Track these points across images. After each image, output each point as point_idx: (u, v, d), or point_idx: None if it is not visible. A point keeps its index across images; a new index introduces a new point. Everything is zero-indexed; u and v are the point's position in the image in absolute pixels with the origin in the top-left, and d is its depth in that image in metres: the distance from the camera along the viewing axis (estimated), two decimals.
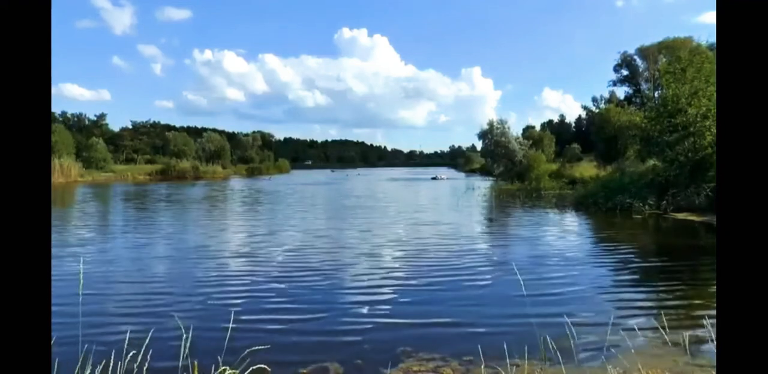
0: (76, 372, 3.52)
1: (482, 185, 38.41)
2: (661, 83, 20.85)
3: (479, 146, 64.42)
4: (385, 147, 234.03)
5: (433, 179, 56.59)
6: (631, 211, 16.83)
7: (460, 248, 10.94)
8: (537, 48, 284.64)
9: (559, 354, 4.44)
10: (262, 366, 4.46)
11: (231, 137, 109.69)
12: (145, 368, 4.28)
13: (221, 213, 20.03)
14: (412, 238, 12.37)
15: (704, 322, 5.41)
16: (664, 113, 17.87)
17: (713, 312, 5.58)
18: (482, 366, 4.31)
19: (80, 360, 3.62)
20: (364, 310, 6.38)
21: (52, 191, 21.30)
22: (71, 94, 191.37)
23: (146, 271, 8.79)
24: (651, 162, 19.77)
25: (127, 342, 5.25)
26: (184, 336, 3.82)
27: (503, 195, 27.02)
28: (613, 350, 4.77)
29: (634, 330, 5.41)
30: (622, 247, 11.27)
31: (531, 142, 51.59)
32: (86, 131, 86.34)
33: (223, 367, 3.66)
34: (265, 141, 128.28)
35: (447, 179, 55.54)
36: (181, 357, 3.77)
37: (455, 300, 6.82)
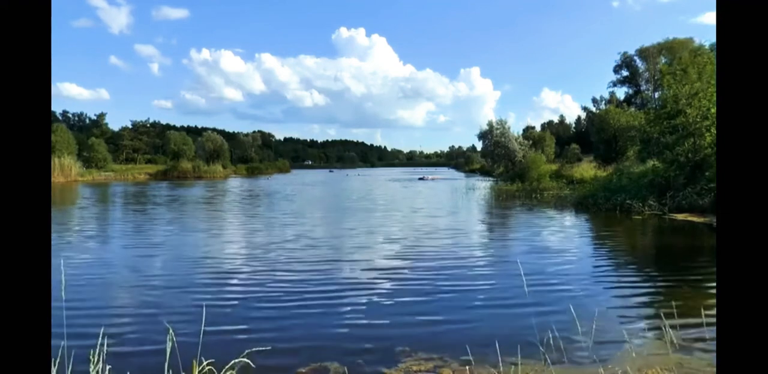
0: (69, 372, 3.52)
1: (482, 186, 38.40)
2: (661, 84, 20.84)
3: (479, 146, 64.47)
4: (384, 147, 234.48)
5: (420, 179, 53.42)
6: (631, 211, 16.83)
7: (460, 249, 10.94)
8: (535, 48, 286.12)
9: (558, 353, 4.44)
10: (262, 365, 4.46)
11: (231, 136, 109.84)
12: (143, 369, 4.29)
13: (221, 214, 20.01)
14: (412, 239, 12.37)
15: (704, 322, 5.41)
16: (663, 114, 17.88)
17: (713, 312, 5.58)
18: (481, 366, 4.31)
19: (54, 360, 3.61)
20: (364, 310, 6.38)
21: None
22: (69, 93, 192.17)
23: (140, 273, 8.76)
24: (651, 163, 19.77)
25: (124, 343, 5.27)
26: (183, 337, 3.82)
27: (503, 196, 27.01)
28: (612, 350, 4.78)
29: (633, 330, 5.41)
30: (621, 248, 11.27)
31: (531, 142, 51.62)
32: (86, 130, 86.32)
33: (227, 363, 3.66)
34: (265, 141, 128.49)
35: (435, 179, 53.15)
36: (180, 358, 3.77)
37: (455, 300, 6.82)
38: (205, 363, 3.73)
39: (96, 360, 3.29)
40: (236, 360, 3.68)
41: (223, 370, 3.71)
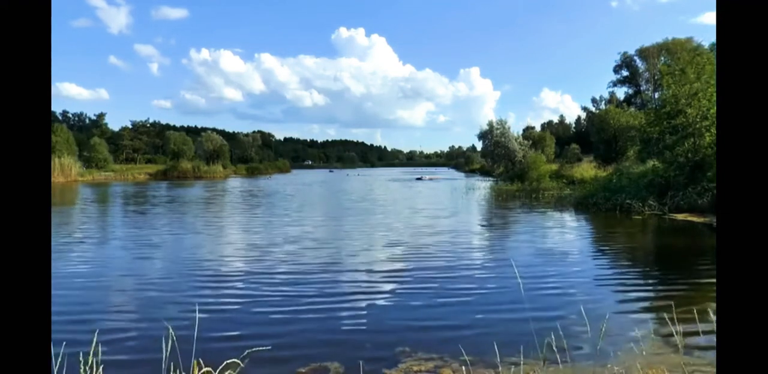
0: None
1: (482, 186, 38.40)
2: (661, 84, 20.86)
3: (479, 146, 64.49)
4: (384, 147, 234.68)
5: (418, 179, 53.36)
6: (631, 212, 16.83)
7: (459, 249, 10.93)
8: (535, 48, 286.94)
9: (558, 354, 4.43)
10: (262, 365, 4.46)
11: (231, 136, 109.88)
12: (143, 370, 4.28)
13: (220, 215, 20.01)
14: (411, 239, 12.37)
15: (704, 322, 5.41)
16: (663, 115, 17.88)
17: (713, 312, 5.58)
18: (482, 366, 4.31)
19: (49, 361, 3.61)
20: (364, 310, 6.38)
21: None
22: (69, 93, 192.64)
23: (139, 275, 8.75)
24: (651, 163, 19.79)
25: (122, 344, 5.26)
26: (183, 337, 3.81)
27: (503, 196, 27.01)
28: (613, 350, 4.78)
29: (634, 330, 5.41)
30: (621, 248, 11.27)
31: (531, 142, 51.64)
32: (86, 130, 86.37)
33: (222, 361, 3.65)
34: (265, 141, 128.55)
35: (432, 179, 53.00)
36: (181, 358, 3.77)
37: (455, 301, 6.81)
38: (204, 365, 3.73)
39: (91, 361, 3.28)
40: (236, 360, 3.68)
41: (222, 370, 3.71)
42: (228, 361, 3.69)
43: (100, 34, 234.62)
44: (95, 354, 3.31)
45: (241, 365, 3.74)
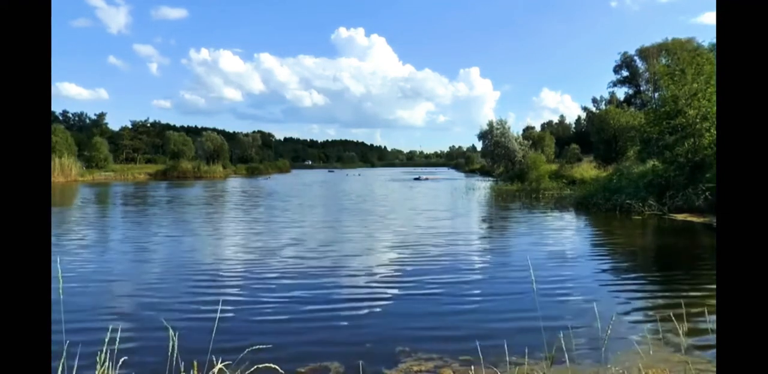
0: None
1: (482, 186, 38.39)
2: (660, 85, 20.87)
3: (479, 146, 64.48)
4: (384, 147, 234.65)
5: (416, 179, 53.43)
6: (631, 212, 16.83)
7: (459, 249, 10.94)
8: (535, 48, 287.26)
9: (558, 354, 4.43)
10: (262, 365, 4.46)
11: (231, 136, 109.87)
12: (145, 367, 4.29)
13: (220, 216, 20.00)
14: (411, 239, 12.37)
15: (704, 322, 5.41)
16: (662, 115, 17.87)
17: (714, 312, 5.58)
18: (482, 366, 4.30)
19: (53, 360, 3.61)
20: (364, 310, 6.38)
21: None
22: (69, 93, 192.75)
23: (139, 276, 8.75)
24: (651, 163, 19.79)
25: (121, 346, 5.26)
26: (183, 338, 3.80)
27: (503, 196, 27.00)
28: (613, 350, 4.77)
29: (634, 330, 5.42)
30: (622, 248, 11.27)
31: (531, 142, 51.64)
32: (86, 130, 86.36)
33: (220, 365, 3.65)
34: (265, 141, 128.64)
35: (429, 179, 53.02)
36: (181, 358, 3.76)
37: (455, 300, 6.81)
38: (205, 366, 3.73)
39: (101, 360, 3.28)
40: (235, 359, 3.69)
41: (217, 369, 3.70)
42: (228, 361, 3.68)
43: (100, 34, 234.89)
44: (100, 355, 3.31)
45: (242, 363, 3.74)
